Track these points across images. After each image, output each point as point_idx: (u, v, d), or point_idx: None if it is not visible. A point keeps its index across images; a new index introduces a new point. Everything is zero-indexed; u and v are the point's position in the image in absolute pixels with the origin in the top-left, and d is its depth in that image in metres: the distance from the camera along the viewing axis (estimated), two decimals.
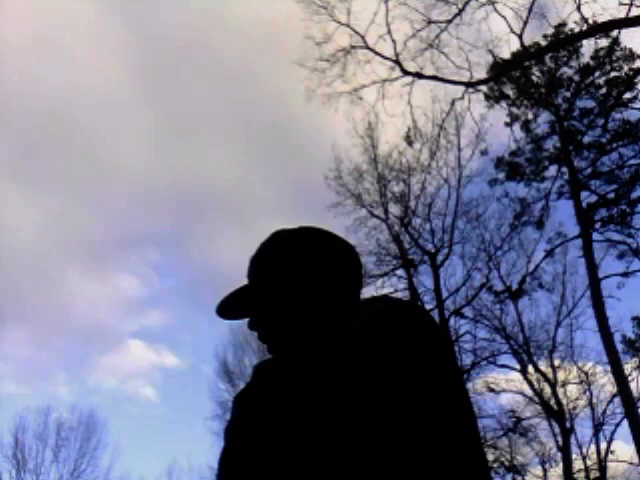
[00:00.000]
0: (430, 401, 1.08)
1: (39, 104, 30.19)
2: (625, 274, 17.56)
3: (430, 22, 14.73)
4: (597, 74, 18.26)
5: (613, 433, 18.53)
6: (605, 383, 18.74)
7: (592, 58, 18.06)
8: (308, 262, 1.33)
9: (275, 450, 1.09)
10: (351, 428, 1.04)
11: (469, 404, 1.17)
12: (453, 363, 1.20)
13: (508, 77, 18.00)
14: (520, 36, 14.43)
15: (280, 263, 1.33)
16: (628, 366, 17.63)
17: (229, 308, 1.36)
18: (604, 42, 16.97)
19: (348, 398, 1.06)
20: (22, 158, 30.07)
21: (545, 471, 19.94)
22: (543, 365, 19.05)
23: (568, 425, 18.27)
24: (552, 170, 18.85)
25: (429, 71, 15.08)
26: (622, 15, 13.13)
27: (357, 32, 15.15)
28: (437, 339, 1.16)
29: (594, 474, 18.54)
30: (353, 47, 15.27)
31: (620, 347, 17.39)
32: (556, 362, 19.30)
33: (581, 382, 19.39)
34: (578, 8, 13.87)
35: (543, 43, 16.92)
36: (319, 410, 1.08)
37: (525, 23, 14.32)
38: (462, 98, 15.53)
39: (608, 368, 16.75)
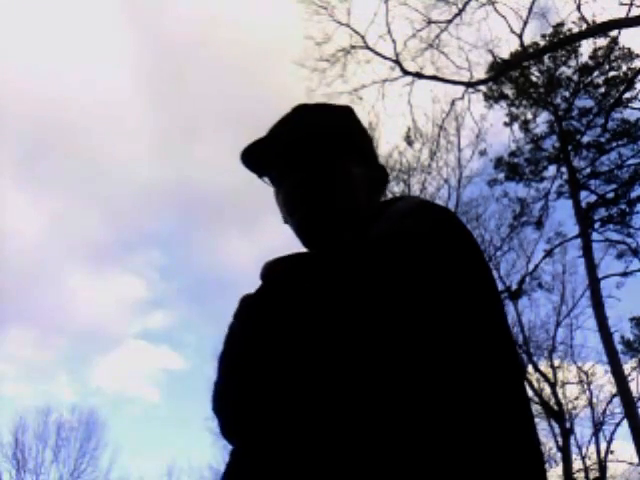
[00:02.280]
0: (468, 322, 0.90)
1: (42, 105, 30.20)
2: (624, 274, 17.58)
3: (430, 22, 14.73)
4: (596, 74, 18.26)
5: (613, 433, 18.58)
6: (605, 383, 18.80)
7: (591, 58, 18.05)
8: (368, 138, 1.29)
9: (272, 354, 0.96)
10: (361, 339, 0.88)
11: (512, 344, 0.98)
12: (494, 288, 1.01)
13: (507, 77, 17.99)
14: (520, 36, 14.44)
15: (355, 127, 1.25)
16: (628, 366, 17.67)
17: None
18: (603, 42, 16.99)
19: (368, 313, 0.89)
20: (25, 159, 30.10)
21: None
22: (543, 365, 19.09)
23: (568, 425, 18.28)
24: (551, 170, 18.88)
25: (429, 71, 15.09)
26: (622, 15, 13.14)
27: (357, 32, 15.15)
28: (476, 251, 1.01)
29: (594, 474, 18.56)
30: (353, 47, 15.26)
31: (620, 347, 17.44)
32: (556, 362, 19.36)
33: (581, 382, 19.43)
34: (578, 8, 13.89)
35: (542, 43, 16.93)
36: (328, 314, 0.92)
37: (525, 23, 14.33)
38: (462, 98, 15.55)
39: (608, 368, 16.77)
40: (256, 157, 1.20)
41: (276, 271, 1.07)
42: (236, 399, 1.00)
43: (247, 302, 1.07)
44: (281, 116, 1.23)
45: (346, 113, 1.27)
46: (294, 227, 1.17)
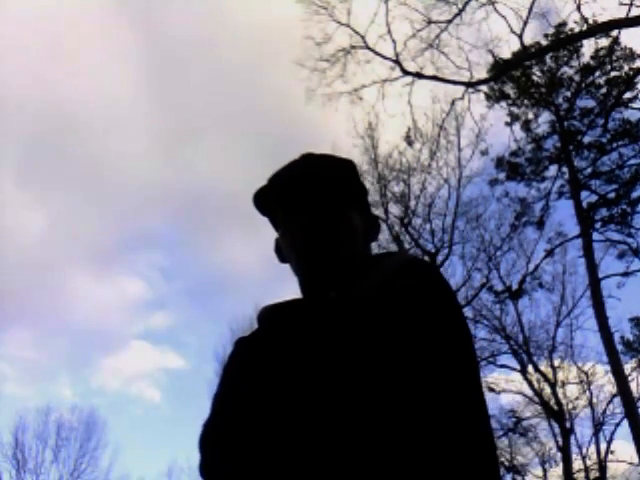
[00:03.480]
0: (442, 365, 1.02)
1: (45, 106, 30.25)
2: (625, 274, 17.56)
3: (430, 22, 14.73)
4: (597, 74, 18.24)
5: (613, 433, 18.58)
6: (605, 383, 18.78)
7: (592, 58, 18.04)
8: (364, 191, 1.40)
9: (265, 396, 1.01)
10: (350, 381, 0.96)
11: (479, 385, 1.11)
12: (466, 328, 1.14)
13: (508, 77, 17.98)
14: (520, 36, 14.43)
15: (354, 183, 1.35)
16: (628, 366, 17.66)
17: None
18: (604, 42, 16.97)
19: (357, 350, 0.99)
20: (27, 160, 30.13)
21: (545, 471, 19.98)
22: (543, 365, 19.09)
23: (568, 425, 18.27)
24: (552, 170, 18.86)
25: (429, 71, 15.09)
26: (622, 15, 13.12)
27: (357, 32, 15.16)
28: (454, 301, 1.15)
29: (594, 474, 18.55)
30: (353, 47, 15.27)
31: (620, 347, 17.42)
32: (556, 362, 19.34)
33: (581, 382, 19.40)
34: (578, 8, 13.88)
35: (544, 43, 16.92)
36: (319, 359, 1.00)
37: (525, 23, 14.32)
38: (462, 98, 15.54)
39: (608, 368, 16.76)
40: (265, 199, 1.30)
41: (273, 317, 1.15)
42: (223, 441, 1.03)
43: (242, 345, 1.13)
44: (288, 162, 1.31)
45: (349, 166, 1.37)
46: (298, 268, 1.25)
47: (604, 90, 18.16)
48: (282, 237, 1.29)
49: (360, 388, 0.96)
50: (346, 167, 1.36)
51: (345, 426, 0.94)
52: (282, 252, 1.31)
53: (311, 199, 1.24)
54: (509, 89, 18.82)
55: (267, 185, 1.29)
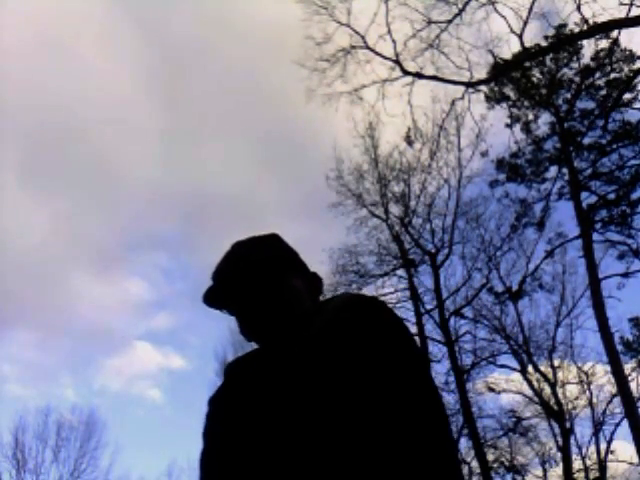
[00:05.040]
0: (397, 392, 1.18)
1: (47, 106, 30.31)
2: (625, 274, 17.58)
3: (430, 22, 14.76)
4: (597, 75, 18.29)
5: (613, 433, 18.59)
6: (605, 383, 18.78)
7: (592, 59, 18.09)
8: (295, 264, 1.50)
9: (244, 447, 1.18)
10: (319, 420, 1.13)
11: (434, 393, 1.24)
12: (417, 351, 1.30)
13: (508, 78, 18.03)
14: (520, 36, 14.46)
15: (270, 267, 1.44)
16: (628, 366, 17.66)
17: (219, 298, 1.43)
18: (604, 43, 17.02)
19: (317, 389, 1.16)
20: (31, 160, 30.19)
21: (545, 471, 19.95)
22: (543, 365, 19.09)
23: (568, 425, 18.26)
24: (552, 171, 18.90)
25: (429, 71, 15.12)
26: (622, 15, 13.15)
27: (357, 32, 15.19)
28: (400, 329, 1.29)
29: (594, 474, 18.55)
30: (353, 47, 15.31)
31: (620, 348, 17.42)
32: (556, 362, 19.36)
33: (581, 382, 19.41)
34: (578, 8, 13.91)
35: (543, 44, 16.96)
36: (286, 405, 1.17)
37: (525, 23, 14.34)
38: (462, 98, 15.57)
39: (608, 368, 16.76)
40: (214, 300, 1.43)
41: (235, 369, 1.34)
42: None
43: (213, 404, 1.31)
44: (222, 257, 1.47)
45: (275, 241, 1.50)
46: (257, 343, 1.41)
47: (604, 91, 18.21)
48: (237, 324, 1.43)
49: (312, 416, 1.14)
50: (273, 244, 1.49)
51: (302, 451, 1.11)
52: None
53: (248, 285, 1.38)
54: (509, 90, 18.88)
55: (211, 286, 1.42)
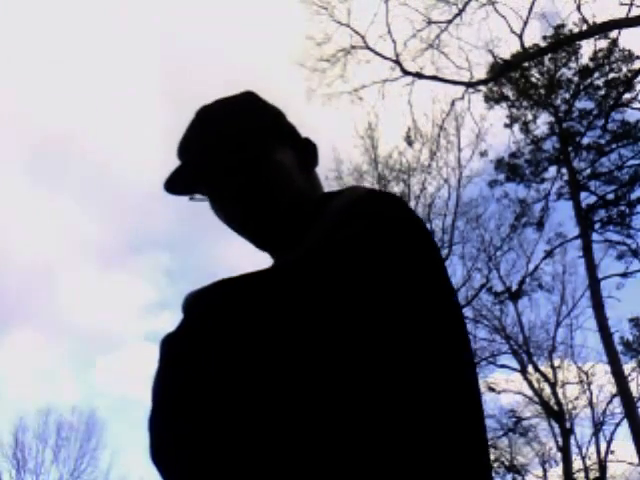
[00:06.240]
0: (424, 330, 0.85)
1: (49, 105, 30.31)
2: (624, 275, 17.60)
3: (430, 22, 14.79)
4: (596, 75, 18.31)
5: (613, 433, 18.58)
6: (605, 383, 18.81)
7: (591, 59, 18.11)
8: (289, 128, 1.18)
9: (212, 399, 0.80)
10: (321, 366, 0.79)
11: (464, 333, 0.93)
12: (445, 276, 0.95)
13: (507, 78, 18.05)
14: (520, 36, 14.48)
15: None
16: (628, 366, 17.69)
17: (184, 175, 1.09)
18: (603, 43, 17.05)
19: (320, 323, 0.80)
20: (34, 161, 30.16)
21: (545, 471, 19.98)
22: (543, 365, 19.12)
23: (568, 425, 18.28)
24: (552, 171, 18.92)
25: (429, 71, 15.15)
26: (622, 15, 13.18)
27: (357, 32, 15.21)
28: (419, 246, 0.93)
29: (594, 474, 18.56)
30: (353, 47, 15.33)
31: (619, 348, 17.45)
32: (556, 362, 19.37)
33: (581, 382, 19.43)
34: (578, 8, 13.93)
35: (543, 44, 16.98)
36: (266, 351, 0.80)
37: (525, 23, 14.37)
38: (462, 98, 15.59)
39: (608, 368, 16.78)
40: (178, 182, 1.10)
41: (199, 304, 0.89)
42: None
43: (169, 344, 0.88)
44: (186, 126, 1.14)
45: (249, 102, 1.17)
46: (243, 236, 1.11)
47: (603, 91, 18.24)
48: (214, 211, 1.12)
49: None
50: (246, 105, 1.16)
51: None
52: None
53: (221, 161, 1.07)
54: (508, 91, 18.90)
55: (177, 167, 1.09)
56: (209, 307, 0.86)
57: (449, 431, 0.82)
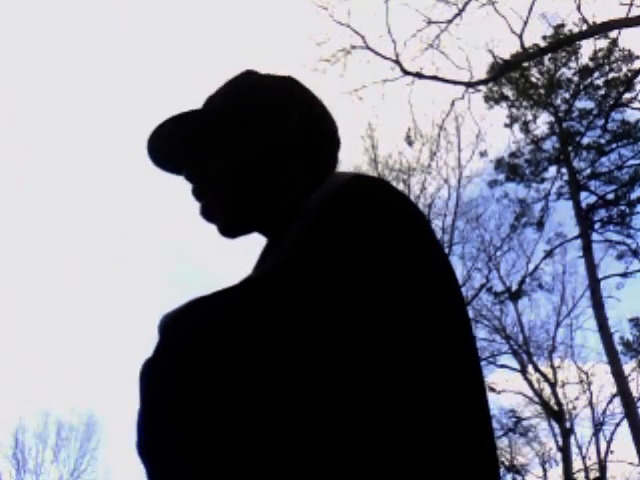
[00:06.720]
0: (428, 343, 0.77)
1: (50, 104, 30.29)
2: (624, 274, 17.60)
3: (430, 22, 14.76)
4: (596, 75, 18.31)
5: (613, 433, 18.58)
6: (605, 383, 18.81)
7: (591, 59, 18.10)
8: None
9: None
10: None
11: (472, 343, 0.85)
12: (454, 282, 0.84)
13: (507, 78, 18.04)
14: (520, 36, 14.47)
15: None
16: (628, 366, 17.69)
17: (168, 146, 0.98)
18: (603, 43, 17.05)
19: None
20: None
21: (545, 471, 20.00)
22: (543, 365, 19.12)
23: (568, 425, 18.28)
24: (552, 171, 18.91)
25: (429, 71, 15.12)
26: (622, 15, 13.17)
27: (357, 32, 15.20)
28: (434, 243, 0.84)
29: (594, 474, 18.56)
30: (353, 47, 15.31)
31: (619, 348, 17.45)
32: (556, 362, 19.38)
33: (581, 382, 19.44)
34: (578, 8, 13.92)
35: (543, 44, 16.98)
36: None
37: (525, 23, 14.35)
38: (462, 98, 15.58)
39: (608, 368, 16.77)
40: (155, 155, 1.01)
41: (175, 325, 0.76)
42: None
43: (148, 371, 0.77)
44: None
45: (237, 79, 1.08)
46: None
47: (603, 91, 18.23)
48: None
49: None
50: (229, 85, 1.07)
51: None
52: None
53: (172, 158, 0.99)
54: (508, 91, 18.89)
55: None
56: (186, 328, 0.75)
57: (457, 434, 0.76)
